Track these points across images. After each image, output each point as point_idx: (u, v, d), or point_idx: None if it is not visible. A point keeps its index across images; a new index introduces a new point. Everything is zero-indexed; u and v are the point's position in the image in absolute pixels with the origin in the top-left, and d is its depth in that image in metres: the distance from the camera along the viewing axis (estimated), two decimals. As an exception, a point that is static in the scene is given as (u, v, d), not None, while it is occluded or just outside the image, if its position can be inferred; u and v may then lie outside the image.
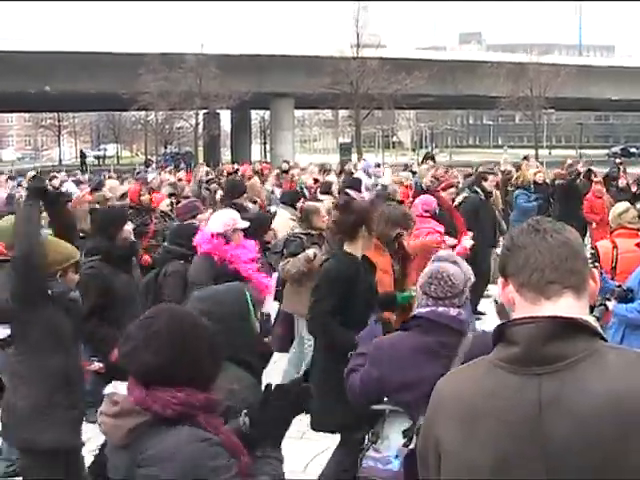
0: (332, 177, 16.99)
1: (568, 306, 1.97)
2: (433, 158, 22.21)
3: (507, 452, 1.92)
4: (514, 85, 54.24)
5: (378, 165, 25.50)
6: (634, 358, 1.95)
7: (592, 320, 2.01)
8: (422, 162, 23.10)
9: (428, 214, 9.15)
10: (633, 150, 79.64)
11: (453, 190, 11.86)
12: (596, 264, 6.08)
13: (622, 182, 17.44)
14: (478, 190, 11.74)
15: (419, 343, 3.87)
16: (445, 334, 3.82)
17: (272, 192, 16.72)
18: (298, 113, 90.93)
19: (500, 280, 2.11)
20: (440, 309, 3.87)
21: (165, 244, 7.65)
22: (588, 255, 6.29)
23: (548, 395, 1.88)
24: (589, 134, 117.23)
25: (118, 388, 2.66)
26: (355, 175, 18.27)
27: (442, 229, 8.90)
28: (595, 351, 1.90)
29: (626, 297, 5.85)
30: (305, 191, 15.24)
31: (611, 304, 5.91)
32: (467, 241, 9.02)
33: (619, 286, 5.93)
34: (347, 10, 53.54)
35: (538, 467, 1.89)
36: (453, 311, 3.88)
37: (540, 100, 55.99)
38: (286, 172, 21.09)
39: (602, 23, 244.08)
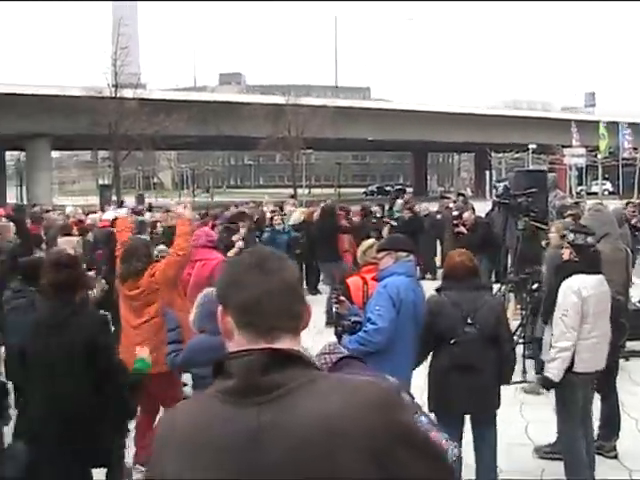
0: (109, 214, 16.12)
1: (284, 343, 2.08)
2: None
3: None
4: (273, 126, 55.41)
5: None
6: (342, 383, 2.06)
7: (304, 351, 2.10)
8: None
9: (211, 244, 9.60)
10: (388, 188, 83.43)
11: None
12: (341, 299, 6.19)
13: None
14: None
15: None
16: None
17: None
18: (55, 154, 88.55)
19: (220, 308, 2.14)
20: None
21: None
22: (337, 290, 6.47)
23: (266, 423, 1.94)
24: (347, 173, 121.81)
25: None
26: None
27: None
28: (310, 380, 2.00)
29: (354, 329, 6.04)
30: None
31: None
32: None
33: (348, 320, 6.11)
34: (106, 50, 52.66)
35: None
36: None
37: (298, 141, 57.51)
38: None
39: (357, 65, 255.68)
